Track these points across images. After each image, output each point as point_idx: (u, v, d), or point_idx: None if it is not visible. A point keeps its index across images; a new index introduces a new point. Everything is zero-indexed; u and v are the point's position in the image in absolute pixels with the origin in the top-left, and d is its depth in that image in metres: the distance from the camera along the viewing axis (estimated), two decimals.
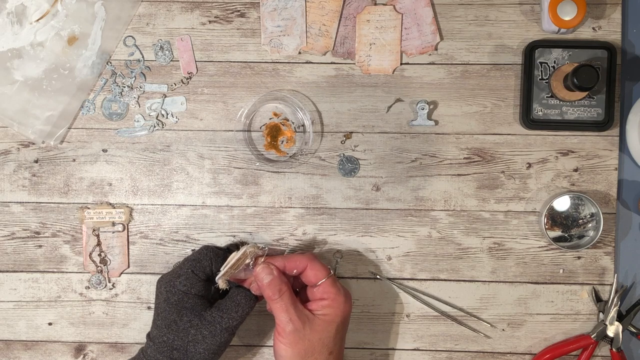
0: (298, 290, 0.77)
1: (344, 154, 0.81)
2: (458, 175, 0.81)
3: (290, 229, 0.81)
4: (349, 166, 0.81)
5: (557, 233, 0.80)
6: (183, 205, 0.82)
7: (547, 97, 0.79)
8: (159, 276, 0.75)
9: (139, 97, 0.81)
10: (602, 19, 0.80)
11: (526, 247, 0.81)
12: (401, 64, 0.80)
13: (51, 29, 0.79)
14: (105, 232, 0.82)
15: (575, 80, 0.72)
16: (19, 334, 0.83)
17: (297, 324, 0.70)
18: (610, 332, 0.79)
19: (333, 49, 0.81)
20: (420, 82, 0.80)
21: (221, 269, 0.73)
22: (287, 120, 0.81)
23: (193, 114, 0.81)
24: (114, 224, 0.81)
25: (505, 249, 0.81)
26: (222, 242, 0.81)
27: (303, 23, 0.80)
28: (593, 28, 0.80)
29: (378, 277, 0.81)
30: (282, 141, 0.81)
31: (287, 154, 0.81)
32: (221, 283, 0.74)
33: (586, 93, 0.77)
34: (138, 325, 0.82)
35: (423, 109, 0.79)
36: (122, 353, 0.82)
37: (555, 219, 0.79)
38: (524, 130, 0.80)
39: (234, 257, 0.73)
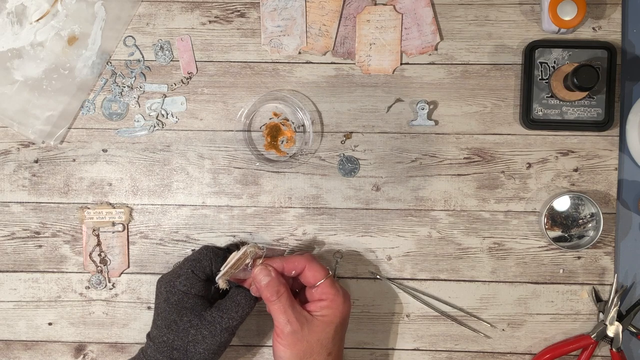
0: (298, 291, 0.77)
1: (344, 154, 0.81)
2: (458, 175, 0.81)
3: (290, 229, 0.81)
4: (349, 166, 0.81)
5: (557, 233, 0.80)
6: (183, 205, 0.82)
7: (547, 97, 0.79)
8: (159, 276, 0.75)
9: (139, 97, 0.81)
10: (602, 19, 0.80)
11: (526, 247, 0.81)
12: (401, 64, 0.80)
13: (51, 29, 0.79)
14: (105, 232, 0.82)
15: (575, 80, 0.72)
16: (19, 334, 0.83)
17: (295, 326, 0.70)
18: (610, 332, 0.79)
19: (333, 49, 0.81)
20: (420, 82, 0.80)
21: (221, 268, 0.73)
22: (287, 120, 0.81)
23: (193, 114, 0.81)
24: (114, 224, 0.81)
25: (505, 249, 0.81)
26: (222, 242, 0.81)
27: (303, 23, 0.80)
28: (593, 28, 0.80)
29: (378, 277, 0.81)
30: (282, 141, 0.81)
31: (287, 154, 0.81)
32: (221, 283, 0.73)
33: (586, 93, 0.77)
34: (138, 325, 0.82)
35: (423, 109, 0.79)
36: (122, 353, 0.82)
37: (555, 219, 0.79)
38: (524, 130, 0.80)
39: (234, 257, 0.73)
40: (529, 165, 0.80)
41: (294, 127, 0.81)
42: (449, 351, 0.82)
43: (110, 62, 0.81)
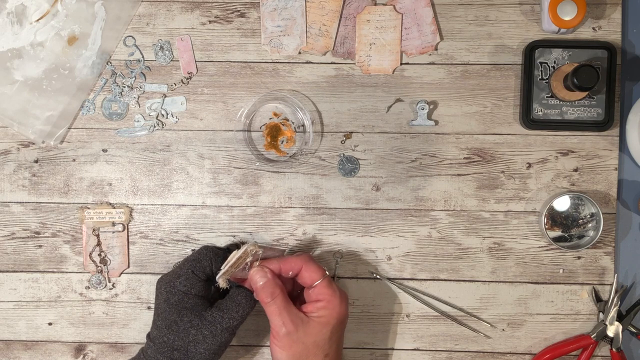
0: (299, 292, 0.77)
1: (344, 154, 0.81)
2: (458, 175, 0.81)
3: (290, 229, 0.81)
4: (349, 166, 0.81)
5: (557, 233, 0.80)
6: (183, 205, 0.82)
7: (547, 97, 0.79)
8: (159, 276, 0.75)
9: (139, 97, 0.81)
10: (602, 19, 0.80)
11: (526, 247, 0.81)
12: (401, 64, 0.80)
13: (51, 29, 0.79)
14: (105, 232, 0.82)
15: (575, 80, 0.72)
16: (19, 334, 0.83)
17: (289, 327, 0.70)
18: (610, 332, 0.79)
19: (333, 49, 0.81)
20: (420, 82, 0.80)
21: (222, 267, 0.73)
22: (287, 120, 0.81)
23: (193, 114, 0.81)
24: (114, 224, 0.81)
25: (505, 249, 0.81)
26: (222, 242, 0.81)
27: (303, 23, 0.80)
28: (593, 28, 0.80)
29: (378, 277, 0.81)
30: (282, 141, 0.81)
31: (287, 154, 0.81)
32: (222, 282, 0.73)
33: (586, 93, 0.77)
34: (138, 325, 0.82)
35: (423, 109, 0.79)
36: (122, 353, 0.82)
37: (555, 219, 0.79)
38: (524, 130, 0.80)
39: (234, 256, 0.73)
40: (529, 165, 0.80)
41: (294, 127, 0.81)
42: (449, 351, 0.82)
43: (110, 62, 0.81)
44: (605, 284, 0.81)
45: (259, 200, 0.81)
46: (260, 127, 0.81)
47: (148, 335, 0.74)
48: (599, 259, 0.80)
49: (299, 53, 0.81)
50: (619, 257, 0.81)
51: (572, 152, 0.80)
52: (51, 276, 0.82)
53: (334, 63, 0.81)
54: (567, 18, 0.76)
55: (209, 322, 0.72)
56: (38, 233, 0.82)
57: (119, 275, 0.82)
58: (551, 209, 0.79)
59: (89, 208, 0.81)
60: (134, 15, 0.81)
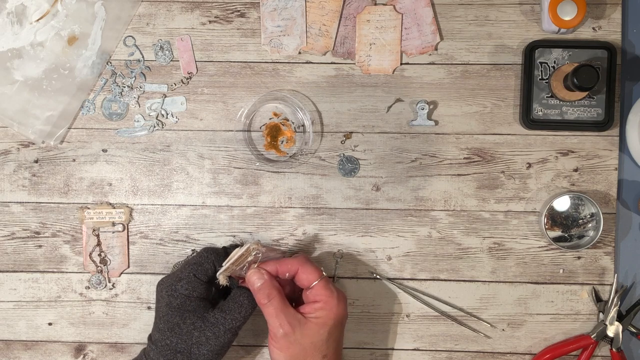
0: (298, 294, 0.77)
1: (344, 154, 0.81)
2: (458, 175, 0.81)
3: (290, 229, 0.81)
4: (349, 166, 0.81)
5: (557, 233, 0.80)
6: (183, 205, 0.82)
7: (547, 97, 0.79)
8: (159, 276, 0.75)
9: (139, 97, 0.81)
10: (602, 19, 0.80)
11: (526, 247, 0.81)
12: (401, 64, 0.80)
13: (51, 29, 0.79)
14: (105, 232, 0.82)
15: (575, 80, 0.72)
16: (19, 334, 0.83)
17: (286, 328, 0.70)
18: (610, 332, 0.79)
19: (333, 49, 0.81)
20: (420, 82, 0.80)
21: (223, 264, 0.73)
22: (287, 120, 0.81)
23: (193, 114, 0.81)
24: (114, 224, 0.81)
25: (505, 249, 0.81)
26: (222, 242, 0.81)
27: (303, 23, 0.80)
28: (593, 28, 0.80)
29: (378, 277, 0.81)
30: (282, 141, 0.81)
31: (287, 154, 0.81)
32: (222, 279, 0.73)
33: (586, 93, 0.77)
34: (138, 325, 0.82)
35: (423, 109, 0.79)
36: (122, 353, 0.82)
37: (555, 219, 0.79)
38: (524, 130, 0.80)
39: (236, 253, 0.73)
40: (529, 165, 0.80)
41: (294, 127, 0.81)
42: (449, 351, 0.82)
43: (110, 62, 0.81)
44: (605, 284, 0.81)
45: (259, 200, 0.81)
46: (260, 127, 0.81)
47: (149, 337, 0.74)
48: (599, 259, 0.80)
49: (299, 53, 0.81)
50: (619, 257, 0.81)
51: (572, 152, 0.80)
52: (51, 276, 0.82)
53: (334, 63, 0.81)
54: (567, 18, 0.76)
55: (211, 324, 0.72)
56: (38, 233, 0.82)
57: (119, 275, 0.82)
58: (551, 209, 0.79)
59: (89, 208, 0.81)
60: (134, 15, 0.81)
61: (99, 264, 0.82)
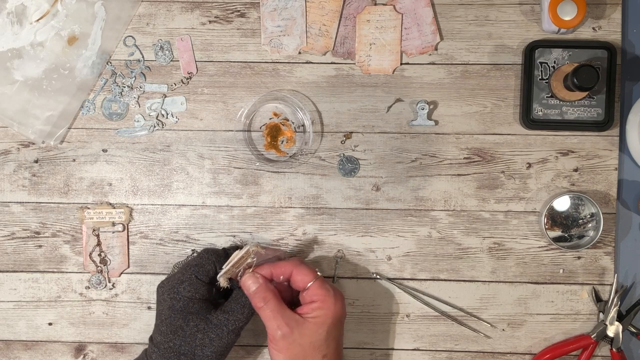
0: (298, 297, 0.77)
1: (344, 154, 0.81)
2: (458, 175, 0.81)
3: (290, 229, 0.81)
4: (349, 166, 0.81)
5: (557, 233, 0.80)
6: (183, 205, 0.82)
7: (547, 97, 0.79)
8: (159, 276, 0.75)
9: (139, 97, 0.81)
10: (602, 19, 0.80)
11: (526, 247, 0.81)
12: (401, 64, 0.80)
13: (51, 29, 0.79)
14: (105, 232, 0.82)
15: (575, 80, 0.72)
16: (19, 334, 0.83)
17: (284, 330, 0.70)
18: (610, 332, 0.79)
19: (333, 49, 0.81)
20: (420, 82, 0.80)
21: (223, 267, 0.73)
22: (287, 120, 0.81)
23: (193, 114, 0.81)
24: (114, 224, 0.81)
25: (505, 249, 0.81)
26: (222, 242, 0.81)
27: (303, 23, 0.80)
28: (593, 28, 0.80)
29: (378, 277, 0.81)
30: (282, 141, 0.81)
31: (287, 154, 0.81)
32: (222, 281, 0.73)
33: (586, 93, 0.77)
34: (138, 325, 0.82)
35: (423, 109, 0.79)
36: (122, 353, 0.82)
37: (555, 219, 0.79)
38: (524, 130, 0.80)
39: (236, 256, 0.73)
40: (529, 165, 0.80)
41: (294, 127, 0.81)
42: (449, 351, 0.82)
43: (110, 62, 0.81)
44: (605, 284, 0.81)
45: (259, 200, 0.81)
46: (260, 127, 0.81)
47: (151, 339, 0.74)
48: (599, 259, 0.80)
49: (299, 53, 0.81)
50: (619, 257, 0.81)
51: (572, 152, 0.80)
52: (51, 276, 0.82)
53: (334, 63, 0.81)
54: (567, 18, 0.76)
55: (215, 325, 0.72)
56: (38, 233, 0.82)
57: (119, 275, 0.82)
58: (551, 209, 0.79)
59: (89, 208, 0.81)
60: (134, 15, 0.81)
61: (99, 264, 0.82)
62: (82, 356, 0.83)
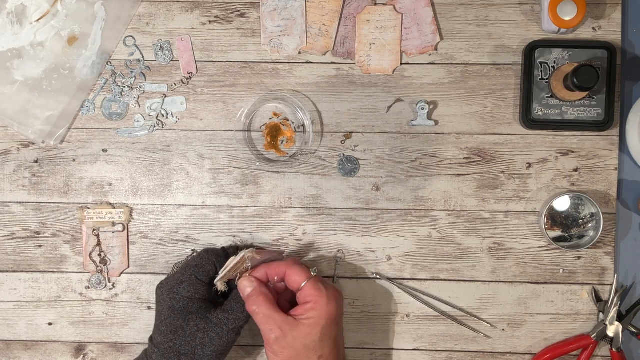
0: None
1: (344, 154, 0.81)
2: (458, 175, 0.81)
3: (290, 229, 0.81)
4: (349, 166, 0.81)
5: (557, 233, 0.80)
6: (183, 205, 0.82)
7: (547, 97, 0.79)
8: (159, 276, 0.75)
9: (139, 97, 0.81)
10: (602, 19, 0.80)
11: (526, 247, 0.81)
12: (401, 64, 0.80)
13: (51, 29, 0.79)
14: (105, 232, 0.82)
15: (575, 80, 0.72)
16: (19, 334, 0.83)
17: (277, 333, 0.70)
18: (610, 332, 0.79)
19: (333, 49, 0.81)
20: (420, 82, 0.80)
21: (219, 272, 0.74)
22: (287, 120, 0.81)
23: (193, 114, 0.81)
24: (114, 224, 0.81)
25: (505, 249, 0.81)
26: (222, 242, 0.81)
27: (303, 23, 0.80)
28: (593, 28, 0.80)
29: (378, 277, 0.81)
30: (282, 141, 0.81)
31: (287, 154, 0.81)
32: (220, 285, 0.74)
33: (586, 93, 0.77)
34: (138, 325, 0.82)
35: (423, 109, 0.79)
36: (122, 353, 0.82)
37: (555, 219, 0.79)
38: (524, 130, 0.80)
39: (232, 262, 0.73)
40: (529, 165, 0.80)
41: (294, 127, 0.81)
42: (449, 351, 0.82)
43: (110, 62, 0.81)
44: (605, 284, 0.81)
45: (259, 200, 0.81)
46: (260, 127, 0.81)
47: (151, 339, 0.74)
48: (599, 259, 0.80)
49: (299, 53, 0.81)
50: (619, 257, 0.81)
51: (572, 152, 0.80)
52: (51, 276, 0.82)
53: (334, 63, 0.81)
54: (567, 18, 0.76)
55: (215, 325, 0.72)
56: (38, 233, 0.82)
57: (119, 275, 0.82)
58: (551, 209, 0.79)
59: (89, 208, 0.81)
60: (134, 15, 0.81)
61: (99, 264, 0.82)
62: (82, 356, 0.83)
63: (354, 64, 0.80)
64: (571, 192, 0.79)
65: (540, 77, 0.79)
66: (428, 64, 0.80)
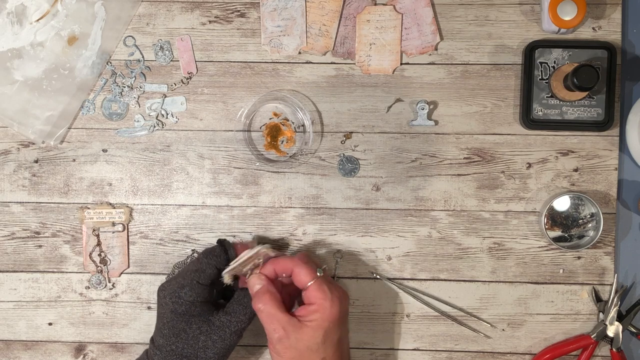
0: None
1: (344, 154, 0.81)
2: (458, 175, 0.81)
3: (290, 229, 0.81)
4: (349, 166, 0.81)
5: (557, 233, 0.80)
6: (183, 205, 0.82)
7: (547, 97, 0.79)
8: (159, 276, 0.75)
9: (139, 97, 0.81)
10: (602, 19, 0.80)
11: (526, 247, 0.81)
12: (401, 64, 0.80)
13: (51, 29, 0.79)
14: (105, 232, 0.82)
15: (575, 80, 0.72)
16: (19, 334, 0.83)
17: (281, 333, 0.70)
18: (610, 332, 0.79)
19: (333, 49, 0.81)
20: (420, 82, 0.80)
21: (230, 264, 0.73)
22: (287, 120, 0.81)
23: (193, 114, 0.81)
24: (114, 224, 0.81)
25: (505, 249, 0.81)
26: None
27: (303, 23, 0.80)
28: (593, 28, 0.80)
29: (378, 277, 0.81)
30: (282, 141, 0.81)
31: (287, 154, 0.81)
32: (226, 278, 0.73)
33: (586, 93, 0.77)
34: (138, 325, 0.82)
35: (423, 109, 0.79)
36: (122, 353, 0.82)
37: (555, 219, 0.79)
38: (524, 130, 0.80)
39: (246, 255, 0.72)
40: (529, 165, 0.80)
41: (294, 127, 0.81)
42: (449, 351, 0.82)
43: (110, 62, 0.81)
44: (605, 284, 0.81)
45: (259, 200, 0.81)
46: (260, 127, 0.81)
47: (152, 340, 0.74)
48: (599, 259, 0.80)
49: (299, 53, 0.81)
50: (619, 257, 0.81)
51: (572, 152, 0.80)
52: (51, 276, 0.82)
53: (334, 63, 0.81)
54: (567, 18, 0.76)
55: (217, 327, 0.72)
56: (38, 233, 0.82)
57: (119, 275, 0.82)
58: (551, 209, 0.79)
59: (89, 208, 0.81)
60: (134, 15, 0.81)
61: (99, 264, 0.82)
62: (82, 356, 0.83)
63: (354, 64, 0.81)
64: (571, 192, 0.79)
65: (540, 77, 0.79)
66: (428, 64, 0.80)
